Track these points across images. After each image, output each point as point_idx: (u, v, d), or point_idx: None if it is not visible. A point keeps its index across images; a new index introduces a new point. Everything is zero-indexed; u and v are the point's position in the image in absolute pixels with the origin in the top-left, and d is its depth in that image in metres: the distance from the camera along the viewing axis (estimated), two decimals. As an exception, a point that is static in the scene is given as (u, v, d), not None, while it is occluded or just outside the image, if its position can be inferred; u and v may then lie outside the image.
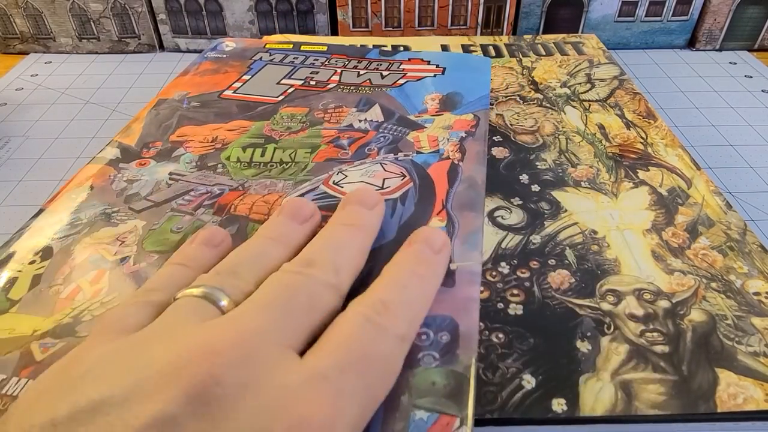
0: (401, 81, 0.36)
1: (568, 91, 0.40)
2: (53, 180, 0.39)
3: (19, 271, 0.23)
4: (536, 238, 0.27)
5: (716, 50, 0.57)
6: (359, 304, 0.18)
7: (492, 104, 0.38)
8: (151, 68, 0.55)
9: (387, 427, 0.17)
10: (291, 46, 0.41)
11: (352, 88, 0.36)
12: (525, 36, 0.48)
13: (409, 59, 0.39)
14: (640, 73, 0.53)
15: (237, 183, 0.28)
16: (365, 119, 0.32)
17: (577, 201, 0.29)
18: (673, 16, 0.56)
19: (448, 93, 0.35)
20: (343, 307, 0.19)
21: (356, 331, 0.17)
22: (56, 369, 0.16)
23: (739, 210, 0.34)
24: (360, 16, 0.56)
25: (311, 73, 0.38)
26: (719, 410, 0.20)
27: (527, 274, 0.25)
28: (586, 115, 0.37)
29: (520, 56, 0.45)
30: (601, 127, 0.35)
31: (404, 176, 0.28)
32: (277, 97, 0.35)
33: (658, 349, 0.22)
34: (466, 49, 0.46)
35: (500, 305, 0.23)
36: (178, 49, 0.59)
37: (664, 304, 0.23)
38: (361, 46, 0.43)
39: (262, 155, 0.30)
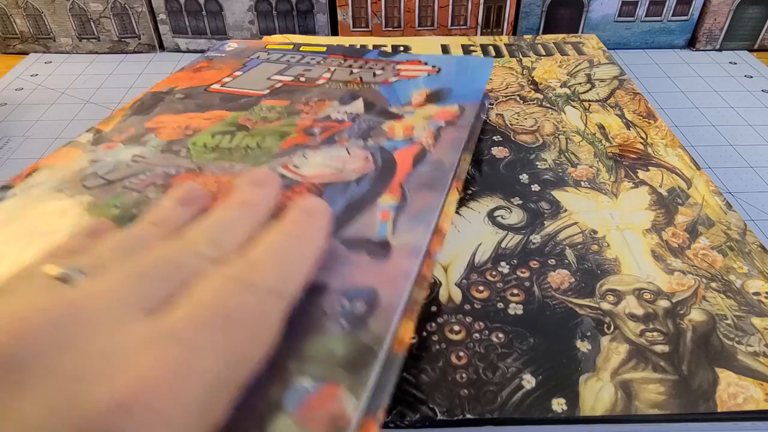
0: (392, 79, 0.36)
1: (568, 91, 0.40)
2: (53, 180, 0.39)
3: None
4: (536, 238, 0.27)
5: (716, 50, 0.57)
6: (222, 265, 0.17)
7: (492, 104, 0.38)
8: (151, 68, 0.55)
9: (264, 390, 0.16)
10: (291, 46, 0.41)
11: (340, 84, 0.35)
12: (525, 36, 0.48)
13: (408, 60, 0.39)
14: (640, 73, 0.53)
15: (195, 165, 0.27)
16: (344, 111, 0.32)
17: (577, 201, 0.29)
18: (673, 16, 0.56)
19: (436, 87, 0.35)
20: None
21: (216, 288, 0.16)
22: None
23: (739, 210, 0.34)
24: (360, 16, 0.56)
25: (304, 70, 0.37)
26: (719, 410, 0.20)
27: (527, 274, 0.25)
28: (586, 115, 0.37)
29: (520, 56, 0.45)
30: (601, 127, 0.35)
31: (367, 160, 0.27)
32: (263, 90, 0.35)
33: (658, 348, 0.22)
34: (466, 49, 0.46)
35: (500, 305, 0.23)
36: (178, 49, 0.59)
37: (664, 303, 0.23)
38: (360, 46, 0.43)
39: (230, 141, 0.29)
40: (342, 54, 0.40)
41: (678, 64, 0.54)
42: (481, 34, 0.57)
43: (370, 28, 0.56)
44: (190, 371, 0.14)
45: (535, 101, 0.38)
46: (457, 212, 0.29)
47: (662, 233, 0.27)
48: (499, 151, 0.33)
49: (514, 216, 0.28)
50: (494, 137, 0.35)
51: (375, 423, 0.16)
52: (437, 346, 0.22)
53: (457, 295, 0.24)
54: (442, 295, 0.24)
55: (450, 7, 0.55)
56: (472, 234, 0.27)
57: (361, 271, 0.20)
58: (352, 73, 0.37)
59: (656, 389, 0.20)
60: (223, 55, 0.40)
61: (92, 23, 0.57)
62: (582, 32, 0.57)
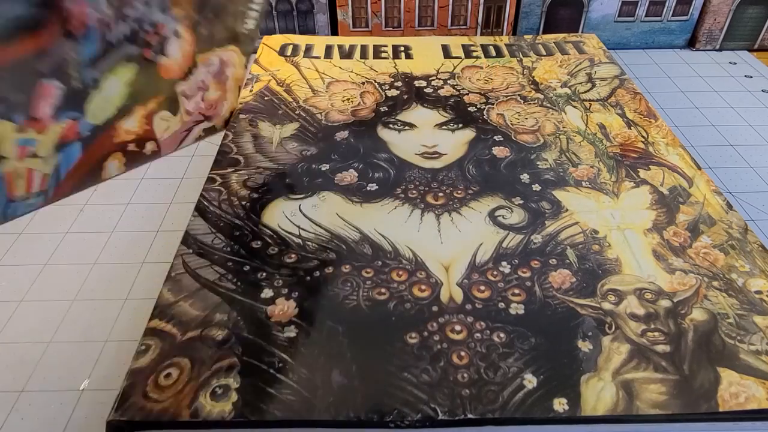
0: None
1: (569, 91, 0.40)
2: (53, 180, 0.39)
3: None
4: (537, 238, 0.27)
5: (716, 50, 0.57)
6: None
7: (493, 104, 0.38)
8: (151, 68, 0.55)
9: None
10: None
11: None
12: (525, 36, 0.48)
13: None
14: (640, 73, 0.53)
15: None
16: None
17: (578, 200, 0.29)
18: (673, 16, 0.56)
19: None
20: None
21: None
22: None
23: (739, 210, 0.34)
24: (360, 16, 0.56)
25: None
26: (721, 409, 0.20)
27: (528, 274, 0.25)
28: (586, 115, 0.37)
29: (521, 56, 0.45)
30: (602, 126, 0.35)
31: None
32: None
33: (660, 348, 0.22)
34: (466, 49, 0.46)
35: (501, 305, 0.23)
36: (178, 49, 0.59)
37: (665, 303, 0.23)
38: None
39: None
40: None
41: (678, 64, 0.54)
42: (481, 34, 0.57)
43: (370, 28, 0.56)
44: None
45: (536, 101, 0.38)
46: (458, 212, 0.29)
47: (663, 232, 0.27)
48: (500, 151, 0.33)
49: (515, 216, 0.28)
50: (495, 137, 0.35)
51: None
52: (438, 346, 0.22)
53: (459, 295, 0.24)
54: (444, 295, 0.24)
55: (450, 7, 0.55)
56: (474, 234, 0.27)
57: None
58: None
59: (658, 389, 0.20)
60: None
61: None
62: (582, 32, 0.57)
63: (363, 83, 0.41)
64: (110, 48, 0.29)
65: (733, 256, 0.26)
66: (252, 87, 0.40)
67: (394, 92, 0.40)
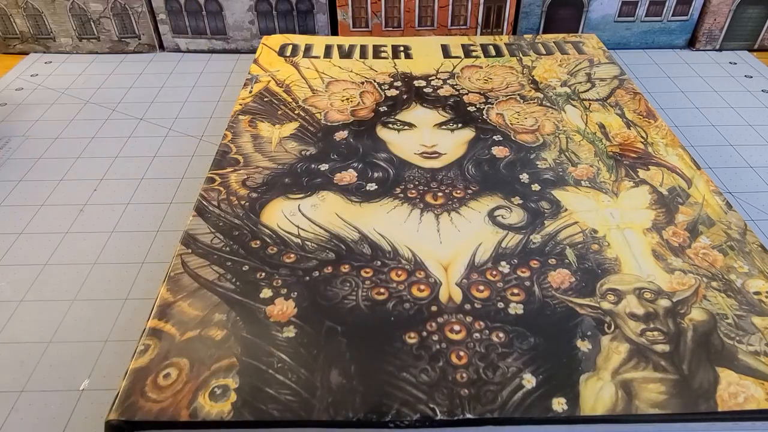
0: None
1: (569, 91, 0.39)
2: (53, 180, 0.39)
3: None
4: (536, 238, 0.27)
5: (716, 50, 0.57)
6: None
7: (492, 103, 0.38)
8: (151, 68, 0.55)
9: None
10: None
11: None
12: (525, 35, 0.48)
13: None
14: (640, 73, 0.53)
15: None
16: None
17: (577, 200, 0.29)
18: (673, 16, 0.56)
19: None
20: None
21: None
22: None
23: (739, 210, 0.34)
24: (360, 16, 0.56)
25: None
26: (720, 409, 0.20)
27: (527, 274, 0.25)
28: (586, 114, 0.37)
29: (521, 55, 0.45)
30: (602, 126, 0.35)
31: None
32: None
33: (659, 348, 0.22)
34: (466, 49, 0.46)
35: (500, 304, 0.23)
36: (178, 49, 0.59)
37: (664, 303, 0.23)
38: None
39: None
40: None
41: (678, 64, 0.54)
42: (481, 34, 0.57)
43: (370, 28, 0.56)
44: None
45: (536, 100, 0.38)
46: (457, 212, 0.29)
47: (663, 232, 0.27)
48: (499, 151, 0.33)
49: (515, 215, 0.28)
50: (494, 137, 0.35)
51: None
52: (437, 346, 0.22)
53: (458, 295, 0.24)
54: (443, 295, 0.24)
55: (450, 7, 0.55)
56: (473, 234, 0.27)
57: None
58: None
59: (657, 389, 0.20)
60: None
61: (92, 23, 0.57)
62: (582, 32, 0.57)
63: (362, 83, 0.41)
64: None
65: (732, 257, 0.26)
66: (251, 88, 0.40)
67: (393, 92, 0.40)
